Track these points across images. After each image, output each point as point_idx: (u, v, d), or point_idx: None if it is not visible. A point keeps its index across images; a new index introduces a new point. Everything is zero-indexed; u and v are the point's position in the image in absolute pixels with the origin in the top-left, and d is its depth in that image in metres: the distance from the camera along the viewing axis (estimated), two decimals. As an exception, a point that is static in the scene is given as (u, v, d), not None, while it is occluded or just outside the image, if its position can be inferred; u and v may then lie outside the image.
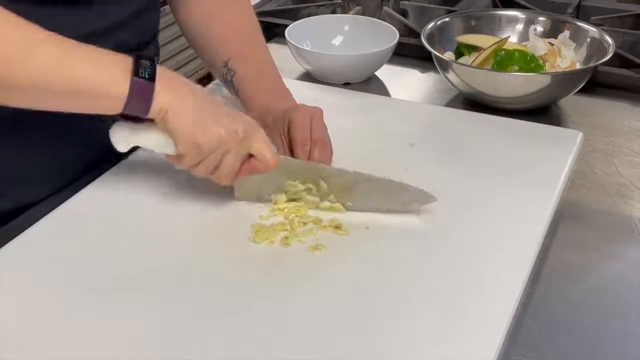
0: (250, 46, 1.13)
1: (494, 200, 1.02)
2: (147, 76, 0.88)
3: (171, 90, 0.90)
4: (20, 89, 0.87)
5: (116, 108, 0.89)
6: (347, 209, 0.99)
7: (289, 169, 0.99)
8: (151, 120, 0.91)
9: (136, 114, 0.89)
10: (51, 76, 0.86)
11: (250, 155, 0.95)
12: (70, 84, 0.87)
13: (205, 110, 0.92)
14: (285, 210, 0.98)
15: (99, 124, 0.94)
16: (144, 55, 0.89)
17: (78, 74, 0.87)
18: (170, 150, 0.93)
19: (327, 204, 0.99)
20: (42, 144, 1.03)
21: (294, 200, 1.00)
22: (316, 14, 1.54)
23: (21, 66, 0.85)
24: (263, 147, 0.95)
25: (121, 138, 0.94)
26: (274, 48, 1.47)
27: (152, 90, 0.88)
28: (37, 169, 1.04)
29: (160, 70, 0.89)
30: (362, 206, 0.99)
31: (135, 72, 0.87)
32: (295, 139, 1.02)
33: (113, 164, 1.07)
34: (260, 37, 1.15)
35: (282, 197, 1.00)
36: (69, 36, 0.88)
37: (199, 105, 0.92)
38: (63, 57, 0.87)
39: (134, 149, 0.98)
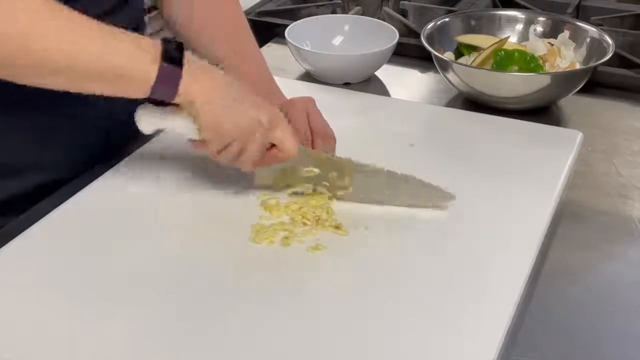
0: (241, 42, 1.13)
1: (494, 200, 1.02)
2: (174, 61, 0.88)
3: (198, 76, 0.90)
4: (50, 71, 0.87)
5: (142, 92, 0.89)
6: (366, 201, 1.00)
7: (309, 159, 1.00)
8: (177, 104, 0.91)
9: (162, 98, 0.90)
10: (79, 59, 0.86)
11: (272, 145, 0.96)
12: (98, 67, 0.87)
13: (231, 98, 0.93)
14: (292, 207, 0.99)
15: (114, 107, 0.94)
16: (172, 40, 0.90)
17: (106, 58, 0.87)
18: (194, 134, 0.94)
19: (340, 193, 1.00)
20: (57, 126, 1.04)
21: (307, 189, 1.01)
22: (316, 14, 1.54)
23: (52, 48, 0.85)
24: (286, 137, 0.96)
25: (146, 121, 0.94)
26: (274, 48, 1.47)
27: (179, 75, 0.89)
28: (53, 151, 1.05)
29: (188, 55, 0.90)
30: (381, 200, 1.00)
31: (163, 57, 0.88)
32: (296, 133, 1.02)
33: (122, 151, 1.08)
34: (248, 29, 1.15)
35: (307, 187, 1.01)
36: None
37: (225, 92, 0.92)
38: (91, 39, 0.87)
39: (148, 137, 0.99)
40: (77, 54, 0.86)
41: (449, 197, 0.99)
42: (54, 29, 0.85)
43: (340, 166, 1.00)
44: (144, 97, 0.90)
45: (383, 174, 1.00)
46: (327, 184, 1.01)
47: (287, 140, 0.96)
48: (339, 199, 1.01)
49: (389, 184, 1.00)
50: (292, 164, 0.99)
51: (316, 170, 1.00)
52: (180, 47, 0.89)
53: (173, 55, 0.89)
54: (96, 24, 0.88)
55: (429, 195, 0.99)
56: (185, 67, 0.89)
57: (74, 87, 0.91)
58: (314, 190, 1.01)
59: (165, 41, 0.89)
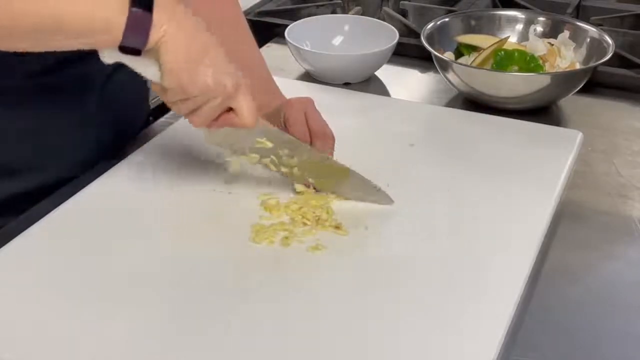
0: (240, 43, 1.13)
1: (494, 200, 1.02)
2: (144, 6, 0.85)
3: (170, 21, 0.87)
4: (15, 27, 0.84)
5: (113, 41, 0.86)
6: (308, 184, 1.01)
7: (265, 133, 1.00)
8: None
9: (134, 46, 0.86)
10: (42, 11, 0.84)
11: (230, 108, 0.94)
12: (63, 19, 0.84)
13: (200, 52, 0.89)
14: (292, 207, 0.99)
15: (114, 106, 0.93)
16: None
17: (72, 8, 0.84)
18: (155, 78, 0.90)
19: (284, 169, 1.01)
20: (57, 126, 1.04)
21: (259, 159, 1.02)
22: (316, 14, 1.54)
23: (11, 4, 0.83)
24: (245, 104, 0.93)
25: (110, 51, 0.89)
26: (274, 48, 1.47)
27: (149, 20, 0.85)
28: (53, 151, 1.05)
29: (160, 0, 0.86)
30: (322, 187, 1.01)
31: (133, 2, 0.84)
32: (294, 135, 1.02)
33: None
34: (248, 31, 1.15)
35: (253, 158, 1.02)
36: None
37: (195, 44, 0.89)
38: None
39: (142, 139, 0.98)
40: (36, 5, 0.83)
41: (389, 200, 1.00)
42: None
43: (293, 146, 1.00)
44: (115, 46, 0.86)
45: (334, 166, 1.01)
46: (275, 159, 1.01)
47: (246, 108, 0.93)
48: (285, 175, 1.02)
49: (338, 175, 1.01)
50: (245, 132, 0.97)
51: (269, 143, 1.00)
52: None
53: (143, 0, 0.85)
54: None
55: (371, 194, 1.00)
56: (156, 11, 0.85)
57: (39, 44, 0.88)
58: (259, 159, 1.01)
59: None
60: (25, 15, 0.84)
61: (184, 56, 0.88)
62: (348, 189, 1.01)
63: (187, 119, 0.94)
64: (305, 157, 1.01)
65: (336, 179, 1.01)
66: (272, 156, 1.01)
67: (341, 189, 1.01)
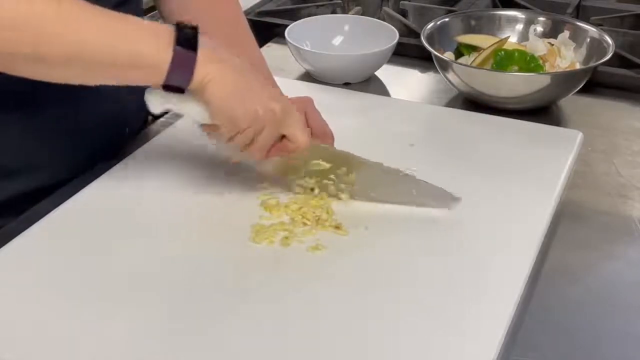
0: (240, 43, 1.13)
1: (493, 200, 1.02)
2: (189, 46, 0.87)
3: (213, 60, 0.89)
4: (61, 62, 0.86)
5: (158, 79, 0.88)
6: (371, 199, 1.00)
7: (319, 154, 1.00)
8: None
9: (178, 84, 0.88)
10: (91, 47, 0.85)
11: (283, 136, 0.96)
12: (111, 56, 0.86)
13: (245, 85, 0.92)
14: (292, 207, 0.99)
15: (113, 107, 0.94)
16: (186, 25, 0.88)
17: (119, 45, 0.86)
18: (205, 119, 0.93)
19: (343, 186, 1.01)
20: (57, 126, 1.04)
21: (316, 183, 1.01)
22: (316, 14, 1.54)
23: (61, 39, 0.85)
24: (297, 129, 0.96)
25: (156, 100, 0.92)
26: (274, 48, 1.47)
27: (193, 60, 0.87)
28: (53, 151, 1.05)
29: (203, 39, 0.88)
30: (385, 198, 1.00)
31: (178, 41, 0.86)
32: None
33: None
34: (248, 31, 1.15)
35: (308, 182, 1.01)
36: None
37: (240, 78, 0.91)
38: (103, 28, 0.86)
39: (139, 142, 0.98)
40: (86, 41, 0.85)
41: (454, 199, 0.99)
42: (61, 16, 0.84)
43: (349, 162, 1.00)
44: (160, 84, 0.88)
45: (394, 173, 1.01)
46: (334, 179, 1.01)
47: (299, 132, 0.96)
48: (343, 198, 1.00)
49: (396, 182, 1.00)
50: (301, 156, 0.99)
51: (325, 164, 1.00)
52: (195, 31, 0.88)
53: (188, 39, 0.87)
54: (105, 11, 0.86)
55: (434, 195, 0.99)
56: (200, 51, 0.87)
57: (86, 78, 0.90)
58: (318, 182, 1.01)
59: (179, 25, 0.88)
60: (79, 44, 0.85)
61: (230, 91, 0.90)
62: (407, 195, 1.00)
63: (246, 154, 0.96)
64: (360, 168, 1.00)
65: (394, 187, 1.00)
66: (331, 176, 1.00)
67: (401, 197, 1.00)
